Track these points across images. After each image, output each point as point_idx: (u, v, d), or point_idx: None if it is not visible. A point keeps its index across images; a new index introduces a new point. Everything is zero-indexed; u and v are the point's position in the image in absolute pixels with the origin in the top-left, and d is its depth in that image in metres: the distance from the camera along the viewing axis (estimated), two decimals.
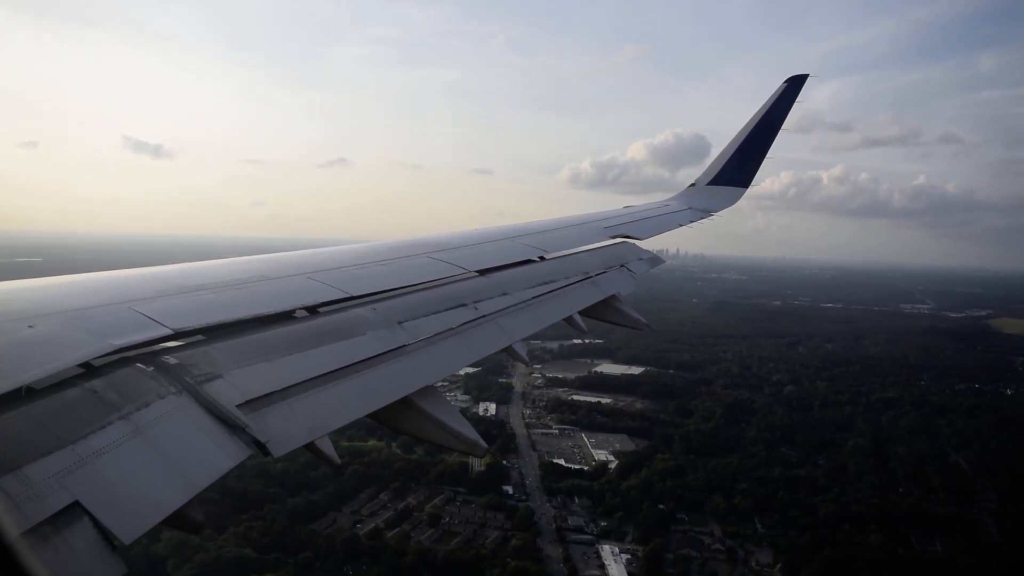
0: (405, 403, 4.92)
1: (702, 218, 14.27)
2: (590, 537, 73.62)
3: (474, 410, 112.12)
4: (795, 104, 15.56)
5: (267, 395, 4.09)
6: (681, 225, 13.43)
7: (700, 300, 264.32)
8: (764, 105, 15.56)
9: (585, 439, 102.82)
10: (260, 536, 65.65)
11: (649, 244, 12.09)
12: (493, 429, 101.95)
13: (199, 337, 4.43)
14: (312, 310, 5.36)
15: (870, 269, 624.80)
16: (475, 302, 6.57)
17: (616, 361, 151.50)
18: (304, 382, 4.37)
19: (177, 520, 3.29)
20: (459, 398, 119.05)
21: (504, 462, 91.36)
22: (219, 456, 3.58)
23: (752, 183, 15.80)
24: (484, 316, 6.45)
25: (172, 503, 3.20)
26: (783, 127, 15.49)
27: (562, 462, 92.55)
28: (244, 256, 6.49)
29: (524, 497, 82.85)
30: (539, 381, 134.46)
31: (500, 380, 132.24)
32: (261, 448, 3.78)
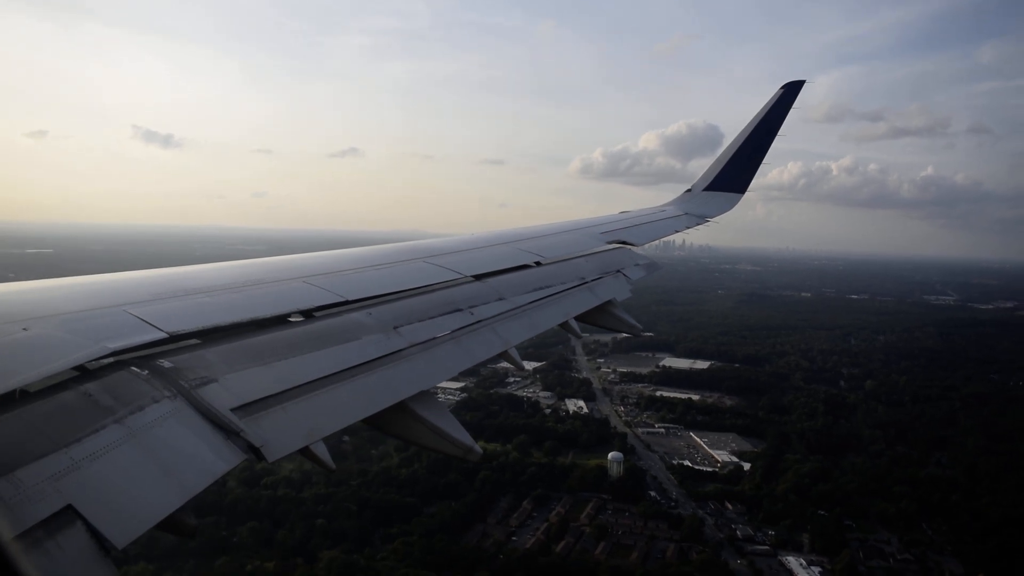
0: (401, 408, 4.90)
1: (698, 224, 14.33)
2: (767, 548, 70.42)
3: (565, 408, 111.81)
4: (800, 109, 15.65)
5: (262, 399, 4.08)
6: (677, 231, 13.48)
7: (726, 291, 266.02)
8: (761, 111, 15.62)
9: (696, 438, 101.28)
10: (423, 554, 62.67)
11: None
12: (601, 429, 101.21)
13: (194, 341, 4.42)
14: (308, 314, 5.35)
15: (877, 260, 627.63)
16: (471, 307, 6.57)
17: (677, 355, 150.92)
18: (299, 386, 4.36)
19: (171, 525, 3.27)
20: (540, 394, 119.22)
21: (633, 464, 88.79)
22: (213, 460, 3.56)
23: (748, 188, 15.86)
24: (480, 321, 6.45)
25: (166, 507, 3.18)
26: (779, 133, 15.56)
27: (687, 463, 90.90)
28: (241, 260, 6.48)
29: (673, 503, 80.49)
30: (612, 376, 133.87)
31: (573, 375, 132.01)
32: (256, 452, 3.77)
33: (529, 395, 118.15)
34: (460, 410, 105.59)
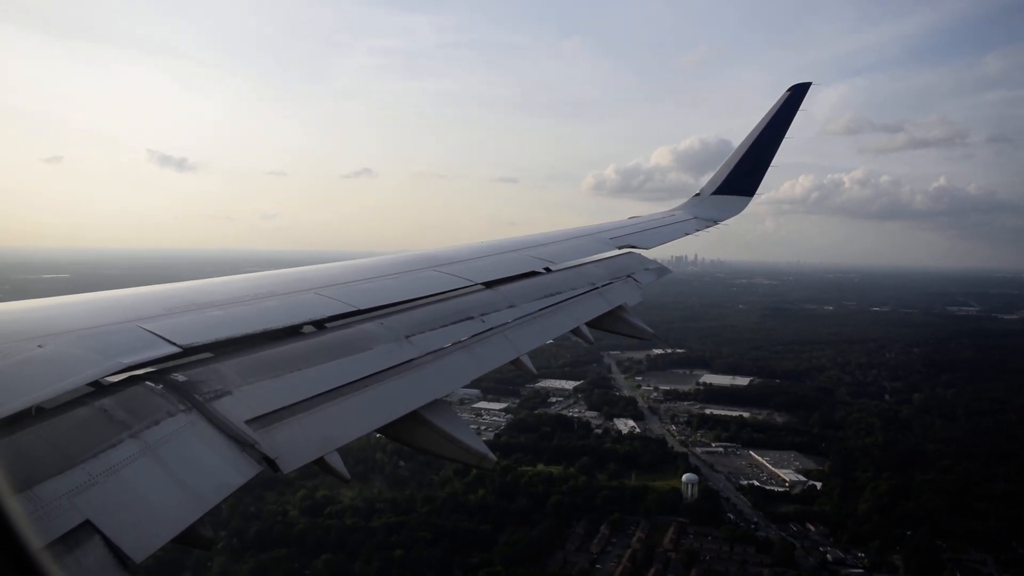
0: (414, 417, 4.90)
1: (707, 227, 14.30)
2: (861, 572, 68.42)
3: (616, 428, 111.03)
4: (802, 111, 15.63)
5: (276, 411, 4.08)
6: (687, 234, 13.45)
7: (747, 306, 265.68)
8: (768, 114, 15.60)
9: (757, 457, 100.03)
10: None
11: (667, 250, 12.30)
12: (659, 449, 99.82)
13: (207, 354, 4.43)
14: (320, 325, 5.36)
15: (892, 272, 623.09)
16: (482, 315, 6.56)
17: (714, 371, 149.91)
18: (313, 397, 4.36)
19: (188, 538, 3.27)
20: (587, 413, 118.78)
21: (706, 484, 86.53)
22: (229, 473, 3.57)
23: (757, 192, 15.82)
24: (491, 329, 6.43)
25: (183, 521, 3.19)
26: (786, 135, 15.52)
27: (755, 483, 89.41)
28: (252, 273, 6.50)
29: (753, 526, 78.48)
30: (655, 394, 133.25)
31: (615, 393, 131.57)
32: (271, 464, 3.77)
33: (576, 414, 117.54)
34: (512, 431, 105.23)
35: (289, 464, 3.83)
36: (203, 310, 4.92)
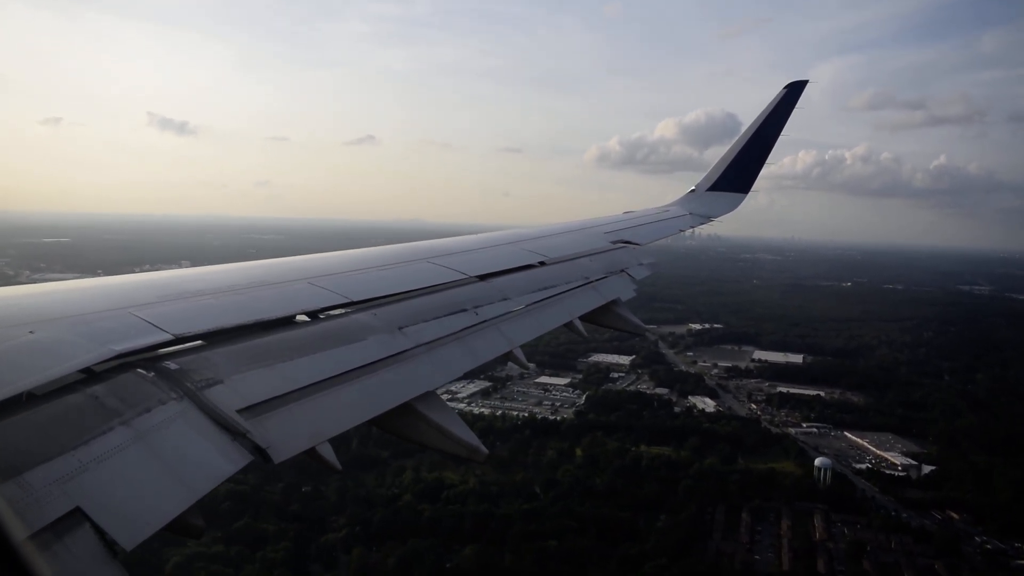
0: (406, 408, 4.90)
1: (702, 224, 14.38)
2: None
3: (698, 406, 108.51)
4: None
5: (268, 400, 4.07)
6: (681, 231, 13.52)
7: (761, 281, 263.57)
8: (764, 111, 15.64)
9: (856, 438, 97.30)
10: None
11: None
12: (755, 429, 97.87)
13: (200, 343, 4.41)
14: (313, 315, 5.35)
15: (890, 250, 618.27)
16: (476, 307, 6.55)
17: (761, 347, 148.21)
18: (305, 387, 4.35)
19: (178, 526, 3.27)
20: (657, 390, 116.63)
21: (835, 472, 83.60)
22: (220, 462, 3.56)
23: (752, 188, 15.88)
24: (485, 321, 6.44)
25: (174, 509, 3.18)
26: (782, 133, 15.55)
27: (869, 466, 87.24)
28: (246, 262, 6.49)
29: (894, 513, 76.01)
30: (714, 371, 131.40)
31: (676, 369, 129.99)
32: (261, 454, 3.76)
33: (646, 390, 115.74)
34: (596, 409, 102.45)
35: (280, 454, 3.82)
36: (196, 298, 4.91)
